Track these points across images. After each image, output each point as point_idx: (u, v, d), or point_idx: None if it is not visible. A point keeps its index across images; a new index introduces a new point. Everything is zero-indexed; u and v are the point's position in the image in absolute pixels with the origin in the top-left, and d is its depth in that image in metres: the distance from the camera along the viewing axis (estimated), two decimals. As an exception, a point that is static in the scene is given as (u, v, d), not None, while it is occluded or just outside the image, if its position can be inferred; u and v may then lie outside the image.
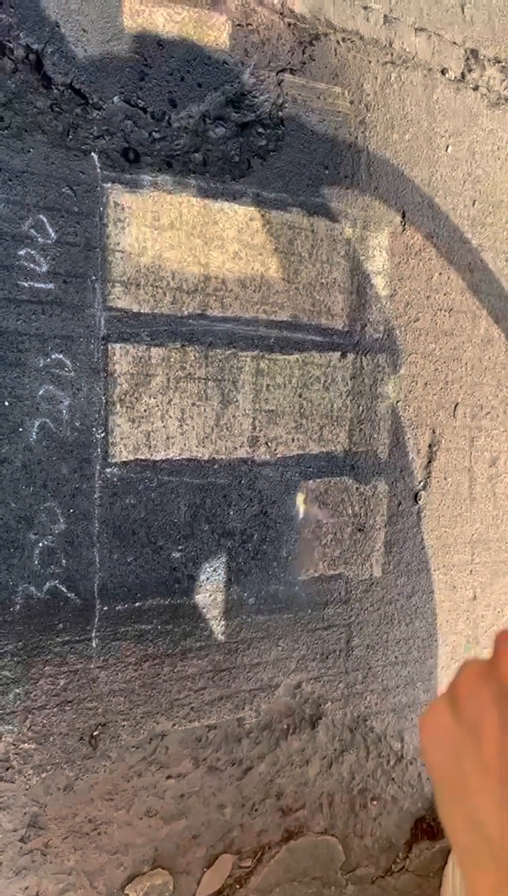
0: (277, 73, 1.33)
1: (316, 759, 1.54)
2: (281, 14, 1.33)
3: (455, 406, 1.64)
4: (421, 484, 1.61)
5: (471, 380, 1.66)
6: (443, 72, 1.55)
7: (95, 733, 1.27)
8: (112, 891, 1.34)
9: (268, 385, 1.37)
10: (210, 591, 1.36)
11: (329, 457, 1.47)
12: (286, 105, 1.35)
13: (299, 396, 1.41)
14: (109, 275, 1.20)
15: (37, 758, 1.22)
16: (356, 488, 1.51)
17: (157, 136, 1.22)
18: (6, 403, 1.14)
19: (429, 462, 1.62)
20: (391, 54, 1.47)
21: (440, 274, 1.59)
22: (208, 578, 1.35)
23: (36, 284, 1.14)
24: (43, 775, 1.24)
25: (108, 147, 1.18)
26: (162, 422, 1.27)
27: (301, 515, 1.44)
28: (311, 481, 1.45)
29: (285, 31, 1.33)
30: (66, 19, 1.13)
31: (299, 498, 1.44)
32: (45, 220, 1.14)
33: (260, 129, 1.32)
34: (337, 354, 1.45)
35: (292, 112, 1.35)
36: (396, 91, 1.48)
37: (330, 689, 1.53)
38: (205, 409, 1.32)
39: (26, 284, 1.14)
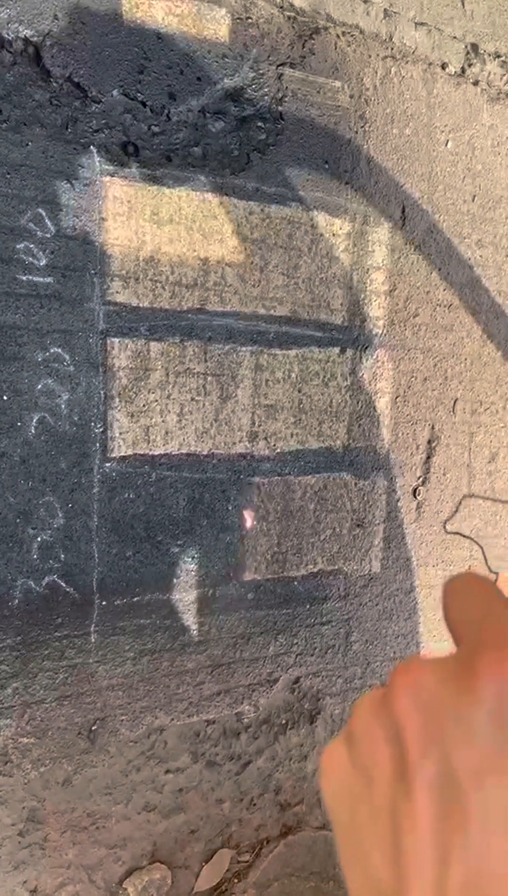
0: (276, 67, 1.33)
1: (315, 754, 1.54)
2: (281, 7, 1.32)
3: (455, 402, 1.64)
4: (420, 479, 1.61)
5: (470, 375, 1.66)
6: (443, 66, 1.54)
7: (93, 728, 1.27)
8: (110, 885, 1.34)
9: (267, 380, 1.37)
10: (209, 585, 1.36)
11: (328, 452, 1.46)
12: (286, 99, 1.34)
13: (299, 391, 1.41)
14: (107, 269, 1.20)
15: (35, 752, 1.23)
16: (355, 484, 1.51)
17: (156, 129, 1.22)
18: (5, 398, 1.14)
19: (428, 458, 1.62)
20: (391, 48, 1.46)
21: (440, 269, 1.58)
22: (206, 573, 1.35)
23: (34, 278, 1.14)
24: (41, 769, 1.24)
25: (107, 141, 1.18)
26: (161, 416, 1.27)
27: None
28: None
29: (284, 25, 1.33)
30: (65, 12, 1.13)
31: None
32: (43, 213, 1.14)
33: (259, 124, 1.32)
34: (336, 350, 1.45)
35: (292, 106, 1.35)
36: (396, 85, 1.48)
37: (329, 684, 1.54)
38: (204, 404, 1.31)
39: (25, 278, 1.13)
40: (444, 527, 1.58)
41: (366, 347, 1.49)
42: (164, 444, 1.28)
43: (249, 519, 1.36)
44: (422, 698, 0.27)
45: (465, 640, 0.28)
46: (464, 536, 1.58)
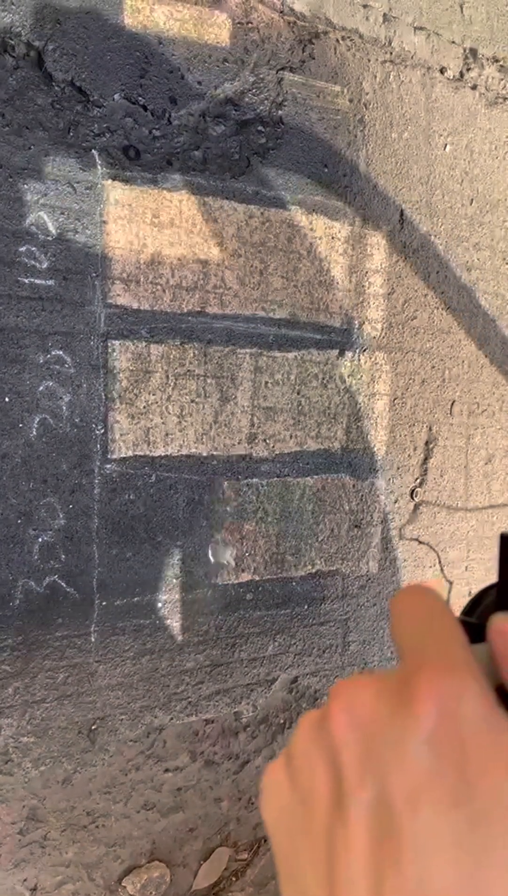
0: (276, 72, 1.33)
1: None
2: (281, 12, 1.33)
3: (452, 403, 1.65)
4: (418, 481, 1.62)
5: (468, 377, 1.67)
6: (442, 71, 1.56)
7: (93, 727, 1.28)
8: (109, 883, 1.35)
9: (266, 382, 1.38)
10: (208, 586, 1.36)
11: (327, 454, 1.47)
12: (286, 103, 1.35)
13: (298, 394, 1.42)
14: (109, 272, 1.21)
15: (36, 751, 1.23)
16: (353, 485, 1.52)
17: (157, 133, 1.23)
18: (6, 399, 1.14)
19: (426, 459, 1.63)
20: (391, 53, 1.47)
21: (438, 272, 1.59)
22: (205, 574, 1.36)
23: (36, 281, 1.15)
24: (42, 768, 1.25)
25: (108, 144, 1.19)
26: (161, 418, 1.28)
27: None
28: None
29: (284, 30, 1.34)
30: (67, 17, 1.14)
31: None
32: (45, 217, 1.15)
33: (260, 128, 1.33)
34: (335, 352, 1.46)
35: (292, 110, 1.36)
36: (395, 90, 1.49)
37: (327, 683, 1.55)
38: (204, 406, 1.32)
39: (27, 281, 1.14)
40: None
41: (365, 350, 1.50)
42: (164, 446, 1.29)
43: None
44: (360, 719, 0.25)
45: (406, 657, 0.27)
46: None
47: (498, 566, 0.33)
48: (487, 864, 0.21)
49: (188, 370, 1.30)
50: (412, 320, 1.56)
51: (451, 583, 1.66)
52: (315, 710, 0.29)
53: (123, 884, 1.36)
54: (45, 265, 1.15)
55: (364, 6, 1.42)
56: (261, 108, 1.33)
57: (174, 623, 1.34)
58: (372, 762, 0.24)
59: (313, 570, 1.49)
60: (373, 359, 1.51)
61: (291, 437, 1.42)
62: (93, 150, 1.18)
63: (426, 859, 0.22)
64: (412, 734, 0.23)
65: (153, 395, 1.27)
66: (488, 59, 1.62)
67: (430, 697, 0.24)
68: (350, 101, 1.43)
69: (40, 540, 1.19)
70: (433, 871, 0.21)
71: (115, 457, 1.24)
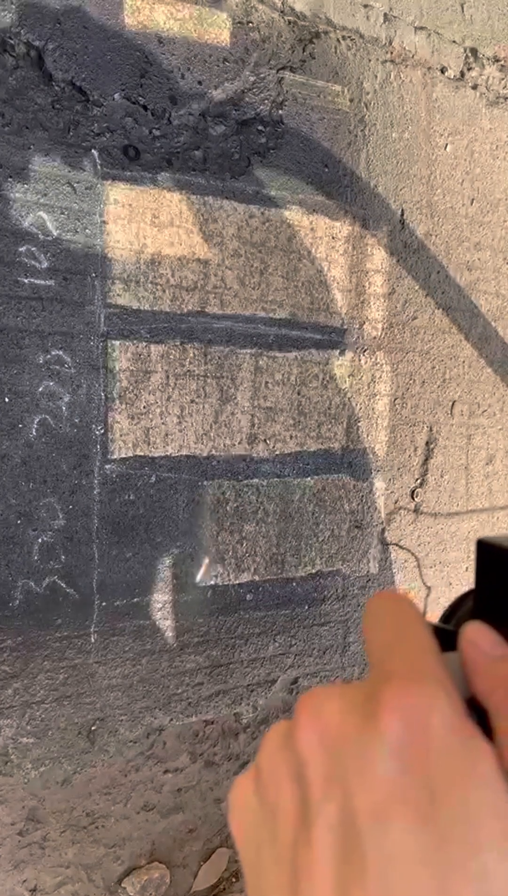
0: (277, 71, 1.33)
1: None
2: (282, 12, 1.33)
3: (453, 404, 1.65)
4: (418, 481, 1.62)
5: (469, 378, 1.67)
6: (442, 70, 1.55)
7: (93, 728, 1.28)
8: (109, 884, 1.35)
9: (267, 382, 1.38)
10: (208, 586, 1.36)
11: (327, 454, 1.47)
12: (286, 103, 1.35)
13: (298, 394, 1.42)
14: (109, 272, 1.20)
15: (35, 752, 1.23)
16: (354, 485, 1.52)
17: (157, 133, 1.23)
18: (6, 399, 1.14)
19: (426, 459, 1.62)
20: (391, 52, 1.47)
21: (439, 272, 1.59)
22: (205, 574, 1.36)
23: (36, 281, 1.15)
24: (41, 769, 1.24)
25: (108, 144, 1.19)
26: (161, 418, 1.28)
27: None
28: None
29: (285, 29, 1.34)
30: (67, 16, 1.13)
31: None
32: (45, 216, 1.15)
33: (260, 127, 1.33)
34: (336, 352, 1.46)
35: (292, 110, 1.36)
36: (395, 89, 1.49)
37: (327, 684, 1.54)
38: (204, 406, 1.32)
39: (27, 281, 1.14)
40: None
41: (365, 350, 1.50)
42: (164, 446, 1.29)
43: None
44: (326, 733, 0.24)
45: (375, 667, 0.26)
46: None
47: (475, 572, 0.32)
48: (453, 880, 0.20)
49: (188, 370, 1.30)
50: (412, 320, 1.56)
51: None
52: (283, 722, 0.28)
53: (122, 885, 1.36)
54: (44, 265, 1.15)
55: (365, 6, 1.42)
56: (261, 107, 1.32)
57: (174, 624, 1.33)
58: (338, 777, 0.23)
59: (314, 571, 1.49)
60: (373, 359, 1.51)
61: (291, 437, 1.42)
62: (93, 150, 1.18)
63: (390, 876, 0.21)
64: (377, 749, 0.23)
65: (153, 395, 1.27)
66: (489, 59, 1.62)
67: (396, 711, 0.23)
68: (351, 100, 1.43)
69: (40, 540, 1.19)
70: (398, 888, 0.21)
71: (115, 457, 1.24)
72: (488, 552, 0.31)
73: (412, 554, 1.60)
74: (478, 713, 0.25)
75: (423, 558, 1.65)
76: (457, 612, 0.38)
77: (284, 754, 0.26)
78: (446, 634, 0.29)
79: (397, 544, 1.59)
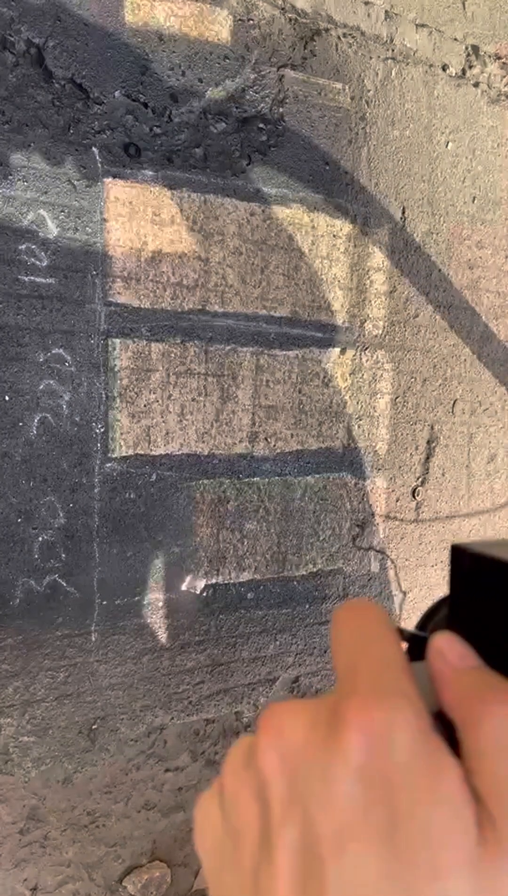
0: (278, 69, 1.33)
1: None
2: (282, 9, 1.32)
3: (454, 402, 1.64)
4: (419, 480, 1.62)
5: (470, 376, 1.66)
6: (444, 68, 1.55)
7: (93, 727, 1.28)
8: (110, 883, 1.35)
9: (267, 381, 1.38)
10: (209, 585, 1.36)
11: (328, 452, 1.47)
12: (287, 101, 1.34)
13: (299, 392, 1.42)
14: (109, 270, 1.20)
15: (36, 751, 1.23)
16: (355, 484, 1.51)
17: (158, 130, 1.22)
18: (6, 398, 1.14)
19: (427, 458, 1.62)
20: (392, 50, 1.47)
21: (440, 270, 1.59)
22: (206, 573, 1.35)
23: (37, 279, 1.14)
24: (42, 768, 1.24)
25: (109, 142, 1.18)
26: (162, 417, 1.28)
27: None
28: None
29: (286, 27, 1.33)
30: (67, 13, 1.13)
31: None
32: (45, 214, 1.14)
33: (261, 125, 1.32)
34: (337, 350, 1.45)
35: (293, 108, 1.35)
36: (397, 87, 1.48)
37: (328, 683, 1.54)
38: (205, 405, 1.32)
39: (27, 279, 1.14)
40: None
41: (366, 348, 1.49)
42: (164, 445, 1.28)
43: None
44: (287, 751, 0.23)
45: (341, 681, 0.24)
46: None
47: (449, 579, 0.31)
48: None
49: (189, 369, 1.29)
50: (413, 318, 1.56)
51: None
52: (246, 738, 0.27)
53: (123, 884, 1.36)
54: (45, 263, 1.15)
55: (366, 3, 1.42)
56: (262, 105, 1.32)
57: (175, 622, 1.33)
58: (299, 798, 0.22)
59: (315, 570, 1.49)
60: (375, 357, 1.51)
61: (292, 435, 1.42)
62: (93, 148, 1.17)
63: None
64: (339, 768, 0.22)
65: (154, 393, 1.27)
66: (490, 57, 1.61)
67: (359, 727, 0.22)
68: (352, 98, 1.42)
69: (41, 539, 1.19)
70: None
71: (115, 455, 1.24)
72: (462, 558, 0.30)
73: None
74: (447, 727, 0.24)
75: (424, 557, 1.64)
76: (433, 618, 0.37)
77: (246, 773, 0.25)
78: (421, 642, 0.28)
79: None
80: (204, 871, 0.28)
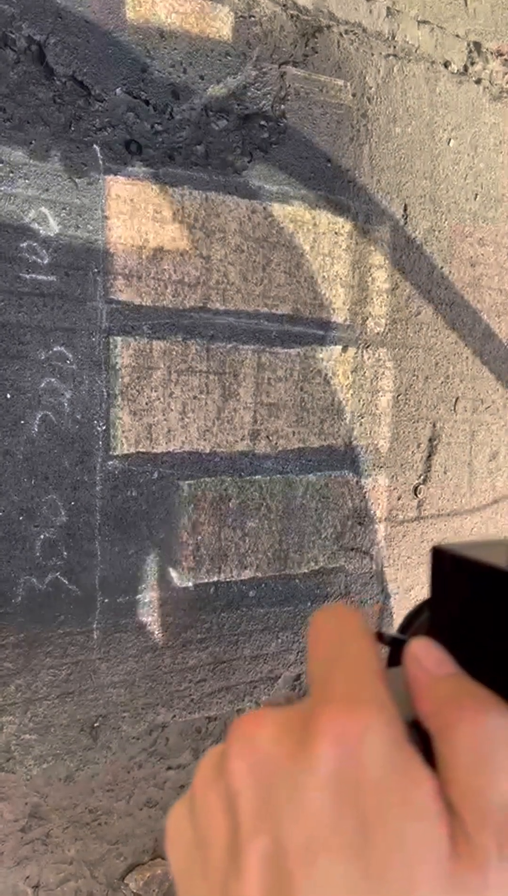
0: (279, 66, 1.33)
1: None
2: (284, 6, 1.32)
3: (456, 400, 1.64)
4: (421, 478, 1.61)
5: (472, 374, 1.66)
6: (446, 65, 1.54)
7: (95, 724, 1.28)
8: (112, 881, 1.35)
9: (269, 378, 1.38)
10: (211, 583, 1.36)
11: (330, 450, 1.47)
12: (289, 98, 1.34)
13: (300, 390, 1.42)
14: (110, 267, 1.20)
15: (38, 749, 1.23)
16: (357, 482, 1.51)
17: (159, 128, 1.22)
18: (8, 396, 1.14)
19: (429, 456, 1.62)
20: (394, 47, 1.46)
21: (442, 268, 1.59)
22: (208, 571, 1.35)
23: (38, 277, 1.14)
24: (44, 766, 1.24)
25: (110, 139, 1.18)
26: (163, 415, 1.28)
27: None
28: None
29: (287, 23, 1.33)
30: (68, 10, 1.13)
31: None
32: (47, 212, 1.14)
33: (262, 122, 1.32)
34: (339, 348, 1.45)
35: (295, 105, 1.35)
36: (398, 84, 1.48)
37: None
38: (206, 403, 1.32)
39: (28, 277, 1.14)
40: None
41: (368, 346, 1.49)
42: (166, 443, 1.28)
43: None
44: (257, 761, 0.23)
45: (314, 688, 0.24)
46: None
47: (430, 582, 0.29)
48: None
49: (191, 366, 1.29)
50: (415, 316, 1.55)
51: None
52: (217, 747, 0.26)
53: (125, 881, 1.36)
54: (46, 261, 1.15)
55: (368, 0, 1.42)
56: (264, 102, 1.32)
57: (177, 620, 1.33)
58: (269, 810, 0.22)
59: (317, 568, 1.48)
60: (376, 355, 1.51)
61: (293, 433, 1.42)
62: (94, 145, 1.17)
63: None
64: (309, 779, 0.21)
65: (155, 391, 1.27)
66: (492, 53, 1.61)
67: (330, 737, 0.21)
68: (353, 95, 1.42)
69: (42, 537, 1.19)
70: None
71: (117, 453, 1.24)
72: (442, 560, 0.29)
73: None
74: (423, 736, 0.23)
75: (426, 555, 1.64)
76: (415, 621, 0.36)
77: (215, 783, 0.24)
78: (402, 646, 0.27)
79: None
80: (174, 882, 0.27)
